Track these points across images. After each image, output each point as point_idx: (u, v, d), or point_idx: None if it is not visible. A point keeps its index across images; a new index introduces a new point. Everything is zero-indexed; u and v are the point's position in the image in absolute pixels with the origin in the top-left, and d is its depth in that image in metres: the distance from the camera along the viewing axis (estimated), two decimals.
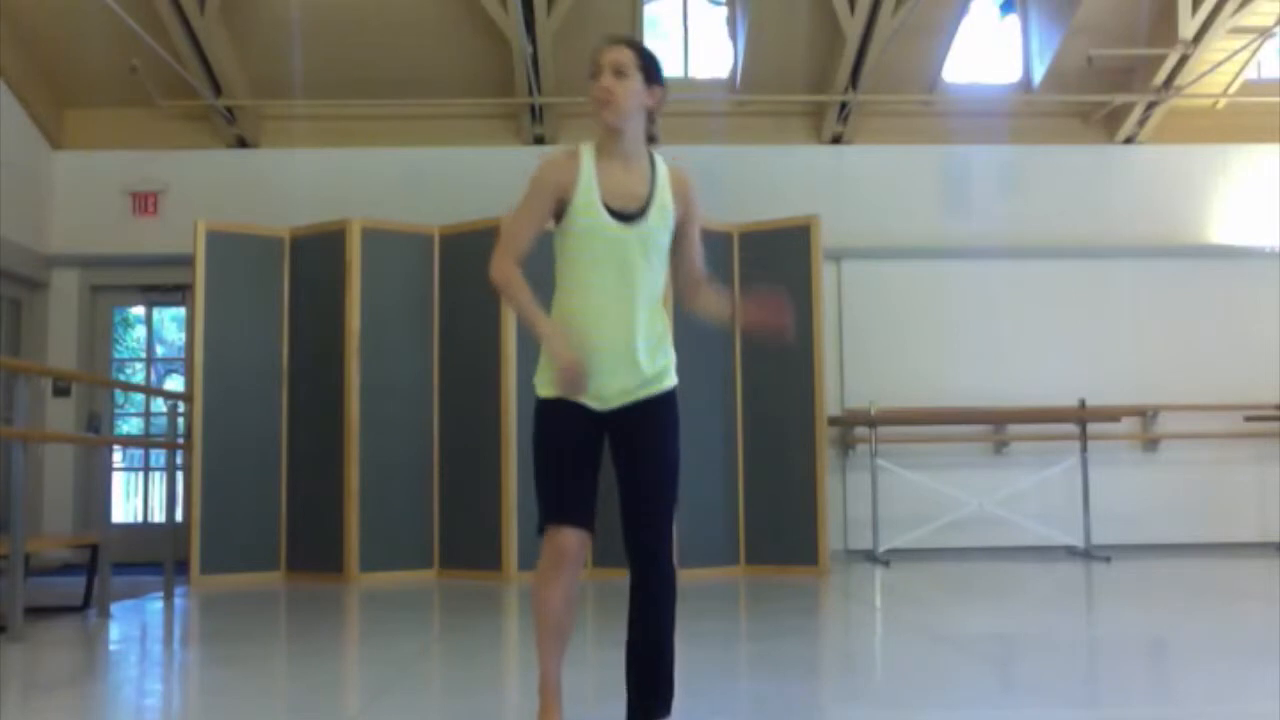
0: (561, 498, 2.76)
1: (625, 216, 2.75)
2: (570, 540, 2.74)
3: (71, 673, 4.27)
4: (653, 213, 2.79)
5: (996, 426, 8.76)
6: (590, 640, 4.95)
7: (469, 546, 7.18)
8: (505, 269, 2.81)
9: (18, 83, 8.28)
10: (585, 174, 2.76)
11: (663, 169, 2.88)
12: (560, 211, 2.78)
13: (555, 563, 2.75)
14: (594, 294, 2.75)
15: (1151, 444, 8.81)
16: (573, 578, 2.78)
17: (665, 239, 2.82)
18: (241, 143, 8.91)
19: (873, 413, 8.22)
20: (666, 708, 2.76)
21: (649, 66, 2.83)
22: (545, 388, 2.80)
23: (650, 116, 2.88)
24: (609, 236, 2.74)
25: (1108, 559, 7.87)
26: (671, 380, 2.85)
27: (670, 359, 2.86)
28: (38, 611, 5.64)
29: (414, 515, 7.25)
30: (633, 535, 2.77)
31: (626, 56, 2.79)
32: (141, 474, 9.51)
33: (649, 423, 2.79)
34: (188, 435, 7.17)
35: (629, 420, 2.79)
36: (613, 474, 2.82)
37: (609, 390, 2.76)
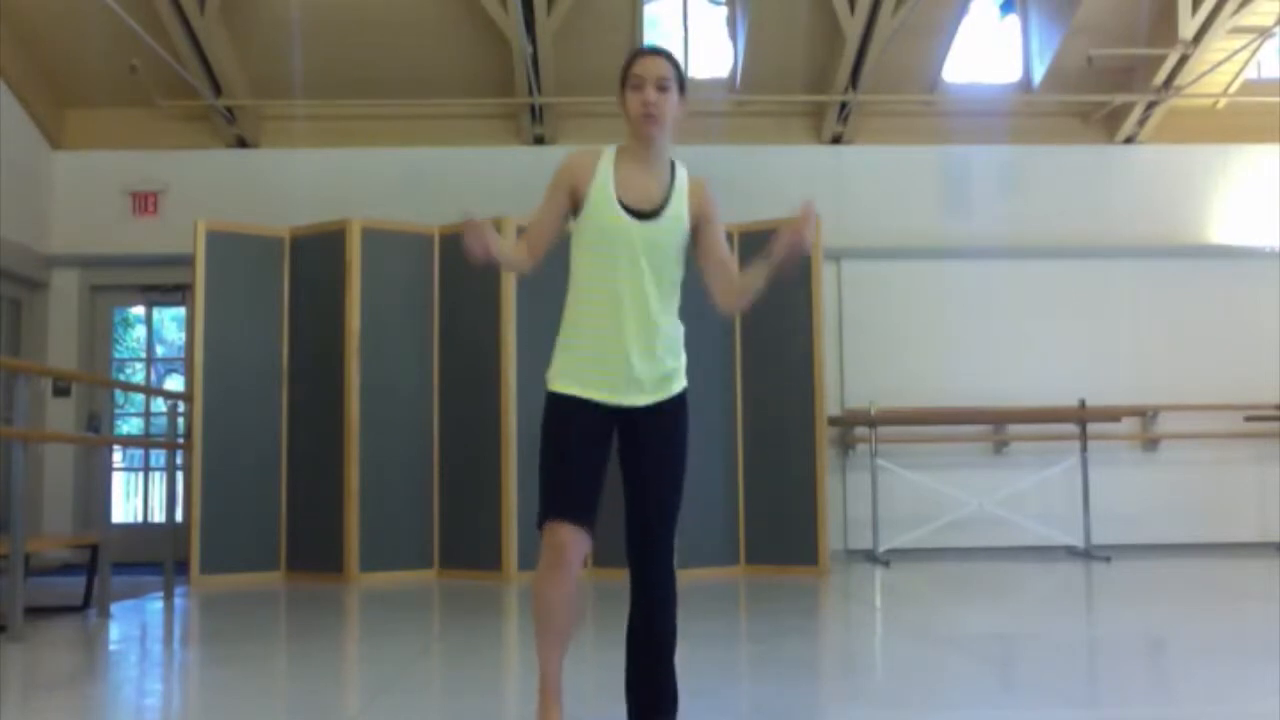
0: (562, 493, 2.74)
1: (639, 214, 2.78)
2: (568, 537, 2.72)
3: (71, 673, 4.27)
4: (667, 214, 2.81)
5: (996, 426, 8.76)
6: (590, 640, 4.95)
7: (469, 546, 7.19)
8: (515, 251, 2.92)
9: (18, 83, 8.28)
10: (603, 171, 2.81)
11: (682, 175, 2.89)
12: (578, 208, 2.82)
13: (552, 560, 2.74)
14: (609, 285, 2.76)
15: (1151, 444, 8.82)
16: (571, 576, 2.76)
17: (677, 241, 2.83)
18: (241, 143, 8.91)
19: (873, 413, 8.22)
20: (670, 716, 2.76)
21: (683, 79, 2.86)
22: (556, 381, 2.81)
23: (675, 122, 2.89)
24: (622, 231, 2.76)
25: (1108, 559, 7.87)
26: (682, 383, 2.87)
27: (682, 361, 2.88)
28: (38, 611, 5.64)
29: (414, 515, 7.25)
30: (635, 540, 2.77)
31: (668, 71, 2.80)
32: (141, 474, 9.51)
33: (659, 426, 2.79)
34: (188, 435, 7.17)
35: (640, 421, 2.79)
36: (618, 474, 2.83)
37: (618, 381, 2.75)
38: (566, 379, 2.79)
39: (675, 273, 2.83)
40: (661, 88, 2.77)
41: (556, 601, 2.77)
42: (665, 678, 2.79)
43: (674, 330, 2.84)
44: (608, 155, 2.84)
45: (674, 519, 2.79)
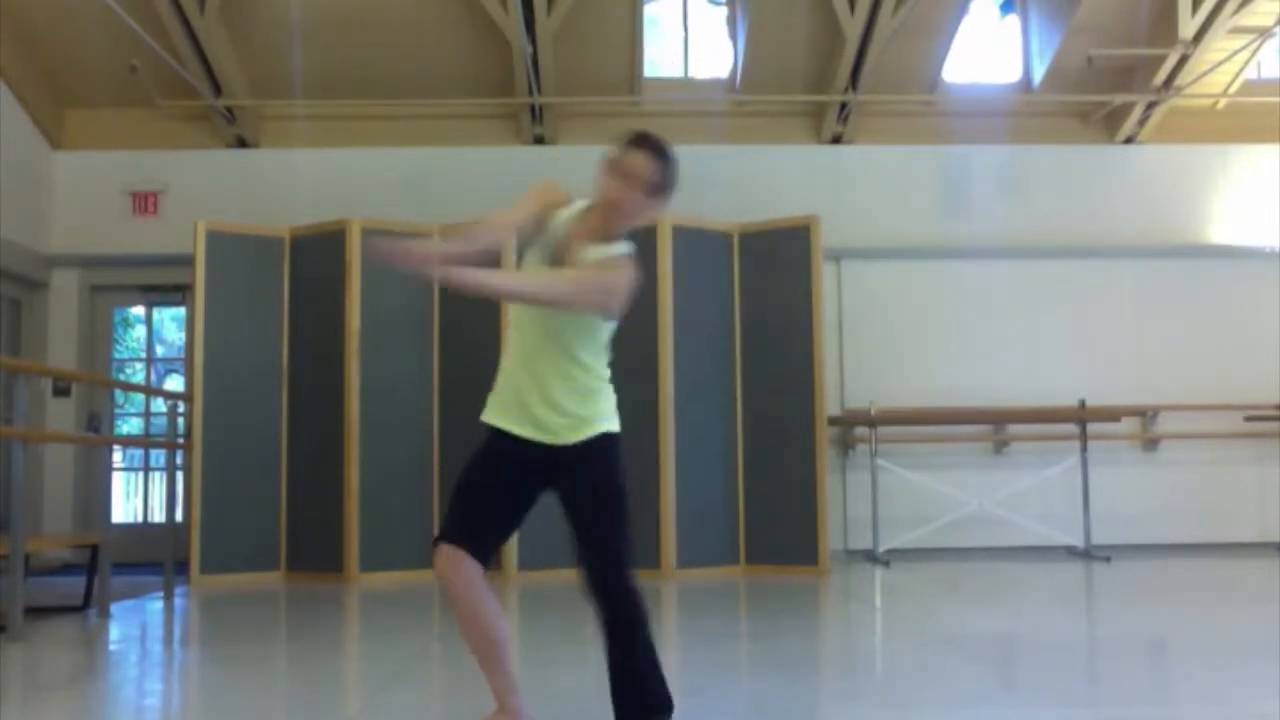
0: (449, 517, 2.82)
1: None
2: (444, 559, 2.76)
3: (71, 673, 4.27)
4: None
5: (996, 426, 8.75)
6: (591, 640, 4.96)
7: None
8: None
9: (18, 83, 8.28)
10: (560, 221, 2.82)
11: (616, 252, 2.81)
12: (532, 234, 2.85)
13: (441, 580, 2.79)
14: (520, 328, 2.82)
15: (1151, 444, 8.82)
16: (467, 594, 2.77)
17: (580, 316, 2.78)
18: (241, 143, 8.91)
19: (873, 413, 8.22)
20: (665, 716, 2.77)
21: (660, 181, 2.79)
22: (485, 411, 2.89)
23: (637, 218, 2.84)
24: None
25: (1108, 559, 7.87)
26: (601, 428, 2.80)
27: (598, 409, 2.81)
28: (38, 611, 5.64)
29: (414, 515, 7.24)
30: (584, 576, 2.77)
31: (641, 168, 2.76)
32: (141, 474, 9.51)
33: (581, 473, 2.79)
34: (188, 435, 7.17)
35: (560, 463, 2.79)
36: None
37: (528, 420, 2.79)
38: (489, 410, 2.89)
39: (579, 335, 2.78)
40: (626, 176, 2.76)
41: (461, 620, 2.82)
42: (646, 694, 2.79)
43: (578, 381, 2.78)
44: (574, 209, 2.85)
45: (618, 555, 2.76)
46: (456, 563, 2.74)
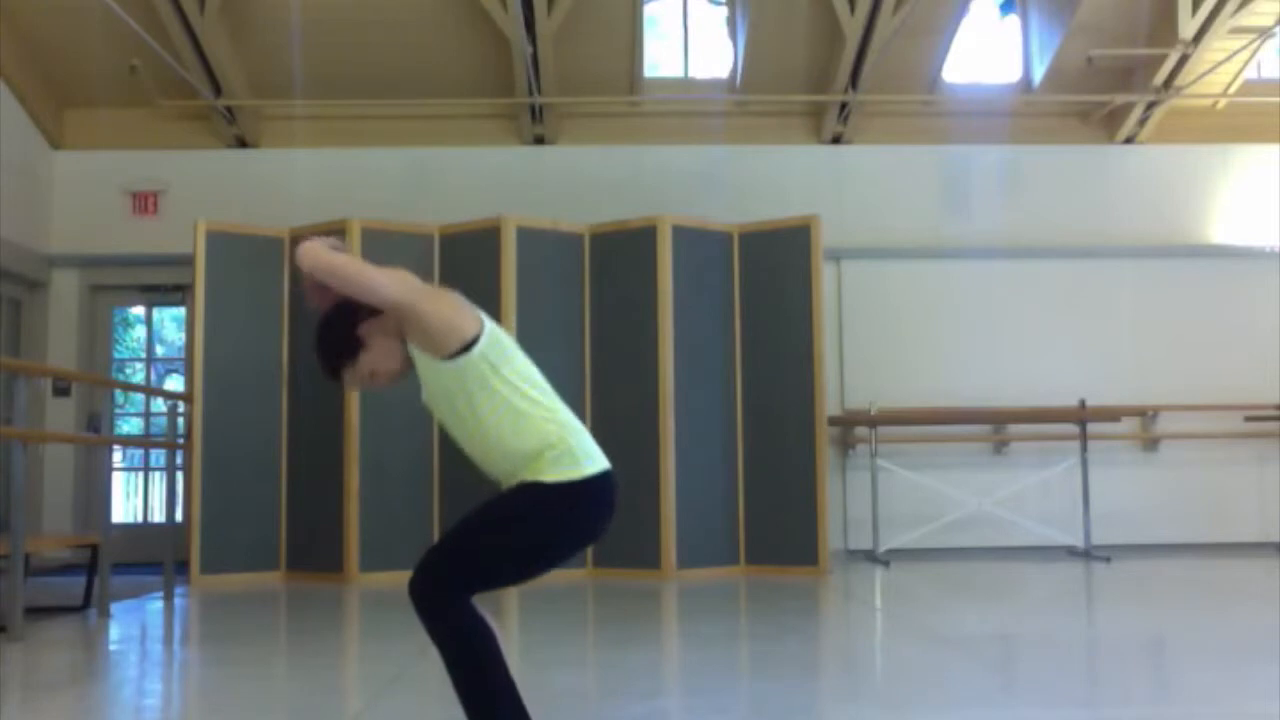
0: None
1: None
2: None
3: (71, 673, 4.27)
4: (422, 366, 2.70)
5: (996, 426, 8.76)
6: (591, 640, 4.95)
7: None
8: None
9: (18, 83, 8.28)
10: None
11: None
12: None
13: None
14: (456, 435, 2.72)
15: (1151, 444, 8.82)
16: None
17: (444, 368, 2.63)
18: (241, 143, 8.91)
19: (873, 413, 8.22)
20: None
21: (336, 357, 2.72)
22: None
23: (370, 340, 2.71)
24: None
25: (1108, 559, 7.87)
26: (536, 478, 2.56)
27: (531, 472, 2.58)
28: (38, 611, 5.64)
29: (414, 515, 7.24)
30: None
31: (330, 368, 2.74)
32: (141, 474, 9.51)
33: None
34: (188, 435, 7.17)
35: None
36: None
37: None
38: (594, 459, 2.72)
39: (465, 403, 2.62)
40: (361, 378, 2.74)
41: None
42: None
43: (503, 464, 2.61)
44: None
45: (438, 558, 2.60)
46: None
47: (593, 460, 2.59)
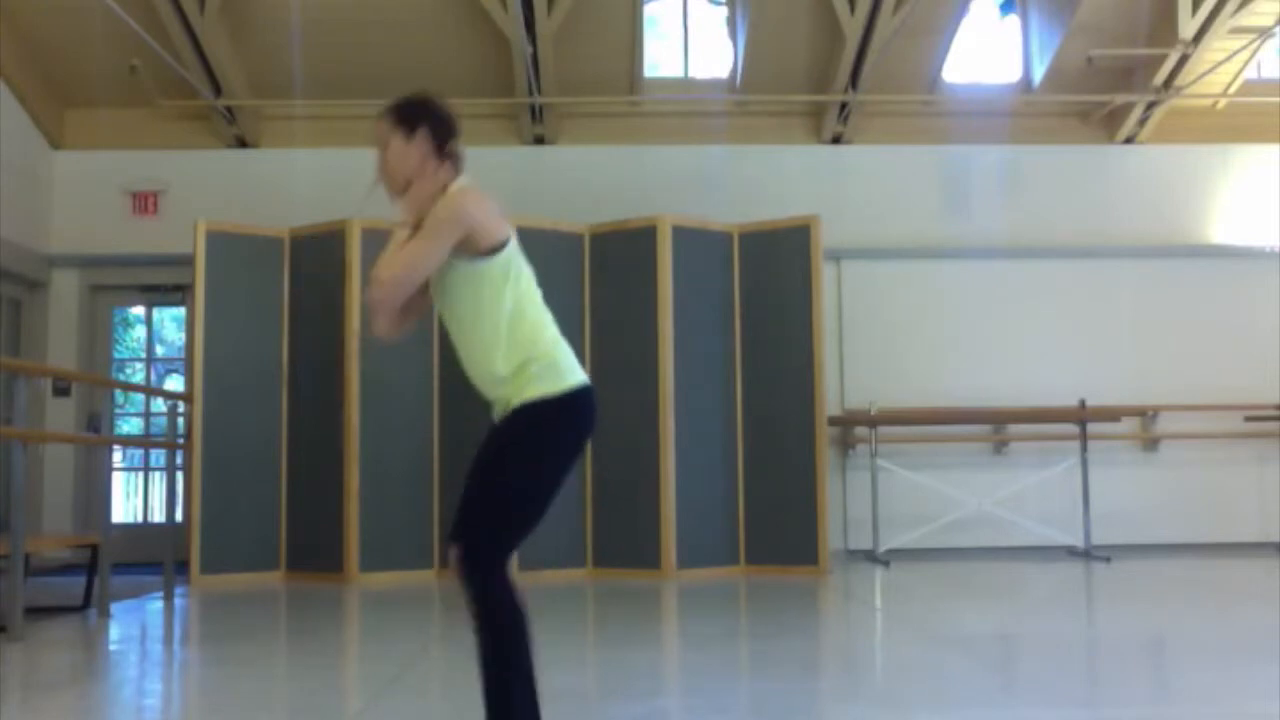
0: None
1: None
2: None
3: (71, 673, 4.27)
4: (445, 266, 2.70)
5: (996, 426, 8.76)
6: (590, 641, 4.96)
7: None
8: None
9: (18, 83, 8.28)
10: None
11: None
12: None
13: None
14: (450, 329, 2.73)
15: (1151, 444, 8.82)
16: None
17: (451, 274, 2.65)
18: (241, 143, 8.91)
19: (873, 413, 8.22)
20: None
21: (407, 118, 2.79)
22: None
23: (435, 153, 2.75)
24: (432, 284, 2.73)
25: (1108, 559, 7.87)
26: (522, 399, 2.61)
27: (523, 383, 2.62)
28: (38, 611, 5.65)
29: (414, 515, 7.24)
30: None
31: (383, 126, 2.78)
32: (141, 474, 9.51)
33: (491, 437, 2.68)
34: (188, 435, 7.17)
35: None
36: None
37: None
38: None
39: (470, 306, 2.65)
40: (382, 145, 2.76)
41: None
42: (491, 706, 2.57)
43: (489, 366, 2.64)
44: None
45: (474, 521, 2.55)
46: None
47: (574, 373, 2.67)
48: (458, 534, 2.56)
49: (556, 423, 2.64)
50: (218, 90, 8.44)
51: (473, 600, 2.52)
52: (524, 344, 2.64)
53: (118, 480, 8.55)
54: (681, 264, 7.30)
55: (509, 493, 2.60)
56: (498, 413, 2.69)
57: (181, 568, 6.88)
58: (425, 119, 2.79)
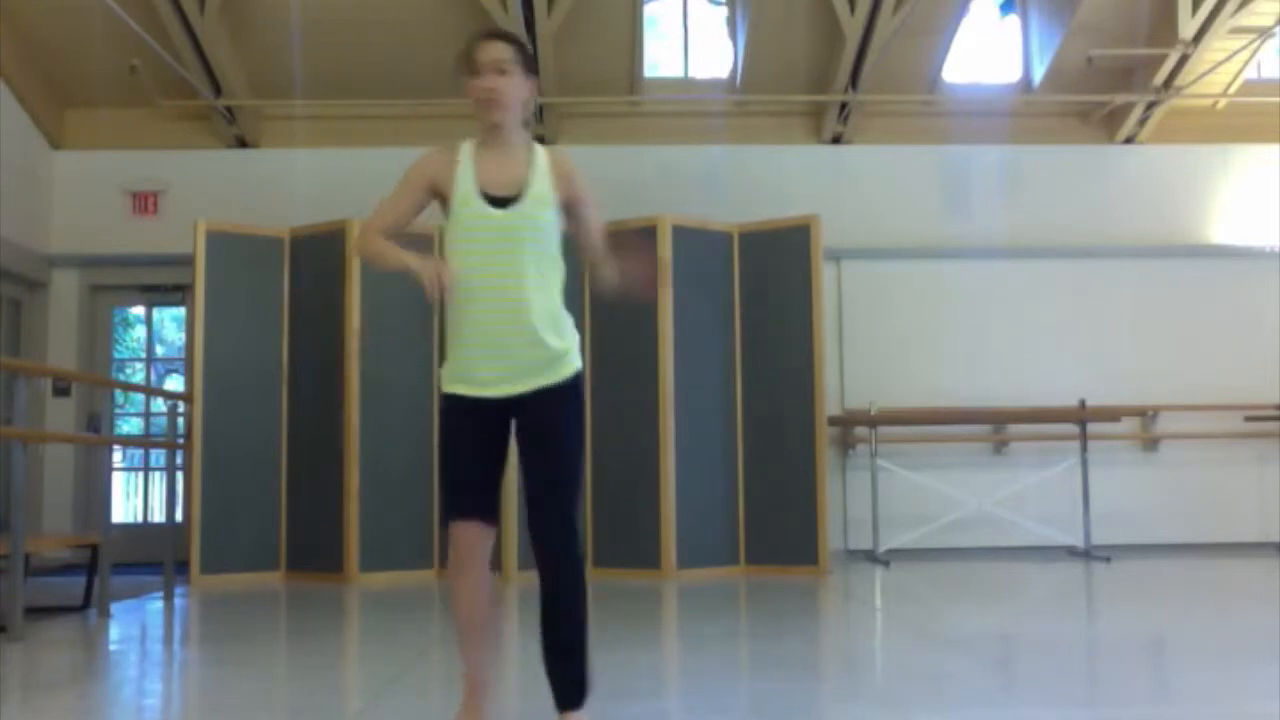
0: (462, 492, 2.79)
1: (504, 200, 2.80)
2: (468, 533, 2.76)
3: (71, 673, 4.27)
4: (530, 196, 2.81)
5: (996, 426, 8.76)
6: (591, 640, 4.95)
7: None
8: (365, 240, 2.96)
9: (18, 83, 8.28)
10: (464, 167, 2.85)
11: (541, 155, 2.89)
12: (446, 205, 2.89)
13: (457, 557, 2.79)
14: (487, 276, 2.77)
15: (1151, 444, 8.82)
16: (480, 570, 2.80)
17: (546, 221, 2.82)
18: (241, 143, 8.91)
19: (873, 413, 8.22)
20: (579, 701, 2.81)
21: (527, 60, 2.88)
22: (447, 383, 2.86)
23: (525, 104, 2.91)
24: (492, 221, 2.79)
25: (1108, 559, 7.87)
26: (573, 365, 2.84)
27: (571, 342, 2.86)
28: (38, 611, 5.64)
29: (414, 516, 7.25)
30: (532, 528, 2.76)
31: (507, 53, 2.82)
32: (141, 474, 9.51)
33: (548, 411, 2.79)
34: (188, 435, 7.17)
35: (530, 408, 2.79)
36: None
37: (509, 370, 2.77)
38: (456, 380, 2.83)
39: (551, 252, 2.83)
40: (500, 71, 2.80)
41: (467, 596, 2.81)
42: (573, 668, 2.80)
43: (557, 310, 2.84)
44: (465, 150, 2.89)
45: (569, 507, 2.76)
46: (482, 535, 2.79)
47: None
48: (554, 517, 2.73)
49: (583, 394, 2.92)
50: (218, 90, 8.44)
51: (576, 563, 2.76)
52: (559, 296, 2.87)
53: (118, 480, 8.56)
54: (681, 264, 7.30)
55: (581, 460, 2.84)
56: (531, 369, 2.77)
57: (181, 568, 6.88)
58: (536, 73, 2.95)
